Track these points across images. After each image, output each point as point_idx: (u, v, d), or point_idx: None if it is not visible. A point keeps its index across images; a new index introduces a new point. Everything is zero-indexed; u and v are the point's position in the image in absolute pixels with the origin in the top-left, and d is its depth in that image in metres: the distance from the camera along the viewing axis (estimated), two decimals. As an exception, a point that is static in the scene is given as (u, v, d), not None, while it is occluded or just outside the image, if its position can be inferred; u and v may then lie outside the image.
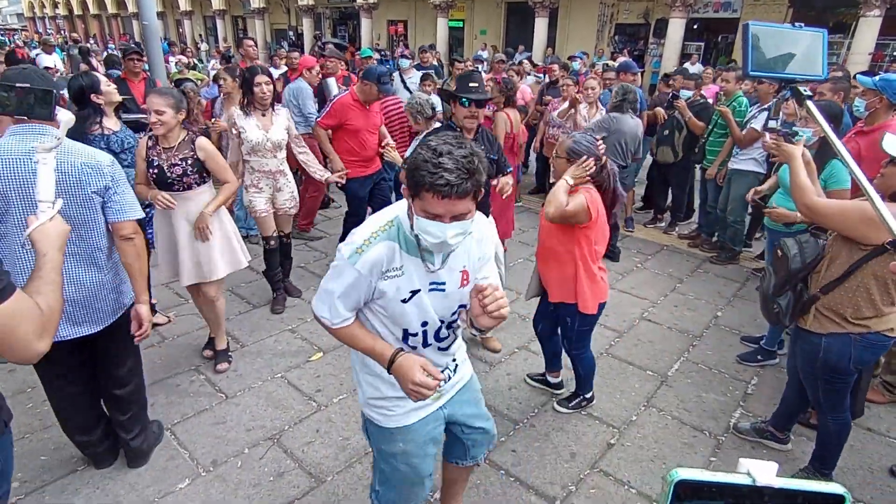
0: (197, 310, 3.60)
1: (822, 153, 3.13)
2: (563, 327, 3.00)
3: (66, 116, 1.84)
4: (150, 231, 4.72)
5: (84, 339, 2.27)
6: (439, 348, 1.76)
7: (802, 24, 1.07)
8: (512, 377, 3.46)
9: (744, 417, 3.17)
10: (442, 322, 1.71)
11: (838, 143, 0.98)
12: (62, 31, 37.87)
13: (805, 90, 1.20)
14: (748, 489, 0.54)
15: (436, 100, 4.82)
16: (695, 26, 16.34)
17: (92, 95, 3.29)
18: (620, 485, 2.67)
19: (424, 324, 1.67)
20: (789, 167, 2.39)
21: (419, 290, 1.61)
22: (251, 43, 6.82)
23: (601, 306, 2.87)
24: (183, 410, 3.09)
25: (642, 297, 4.59)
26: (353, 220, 4.56)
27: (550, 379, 3.32)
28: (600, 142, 2.71)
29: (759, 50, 1.05)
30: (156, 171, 3.07)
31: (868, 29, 12.14)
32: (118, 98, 3.50)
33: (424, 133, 3.76)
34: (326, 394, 3.25)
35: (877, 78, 3.50)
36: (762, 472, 0.54)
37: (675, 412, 3.19)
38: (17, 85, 1.91)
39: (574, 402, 3.17)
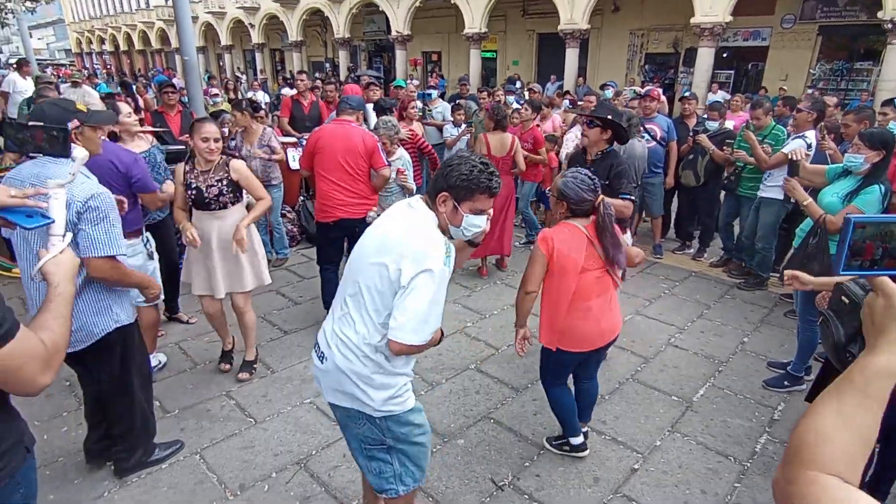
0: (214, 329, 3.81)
1: (871, 178, 3.23)
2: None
3: (80, 153, 1.94)
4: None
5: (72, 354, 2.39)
6: None
7: None
8: (537, 402, 3.47)
9: (770, 443, 3.14)
10: None
11: None
12: (108, 66, 39.84)
13: None
14: None
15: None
16: (724, 55, 16.35)
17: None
18: (643, 510, 2.67)
19: None
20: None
21: None
22: (302, 77, 7.36)
23: (565, 353, 2.70)
24: (212, 435, 3.13)
25: (669, 324, 4.59)
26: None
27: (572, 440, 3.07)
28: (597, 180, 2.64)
29: (860, 247, 0.84)
30: (194, 192, 3.31)
31: (896, 56, 11.97)
32: (136, 129, 3.89)
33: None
34: (354, 417, 3.32)
35: None
36: None
37: (700, 437, 3.18)
38: (32, 124, 2.01)
39: (557, 443, 3.05)
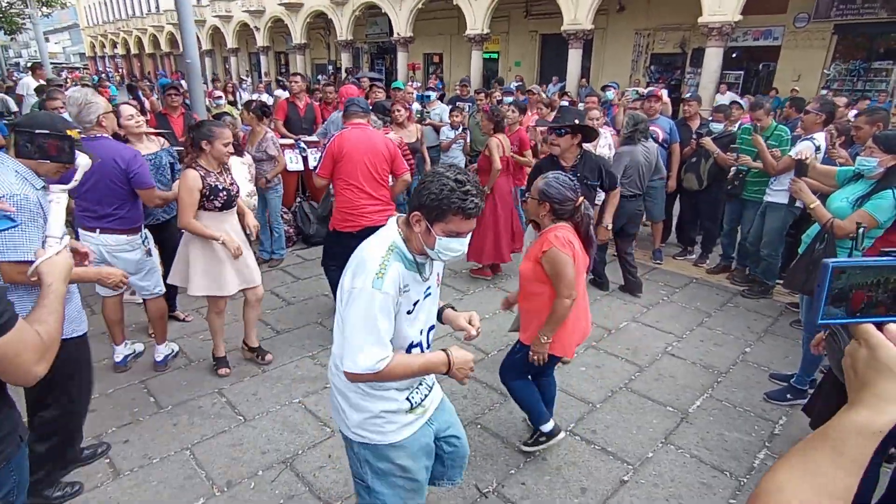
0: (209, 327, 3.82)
1: (884, 182, 3.12)
2: (511, 351, 2.95)
3: (84, 160, 1.99)
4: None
5: None
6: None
7: None
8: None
9: (769, 458, 3.04)
10: (432, 326, 1.94)
11: None
12: (119, 70, 40.49)
13: None
14: None
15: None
16: (734, 55, 16.18)
17: None
18: (632, 524, 2.59)
19: (421, 331, 1.86)
20: None
21: (418, 301, 1.80)
22: (297, 79, 7.29)
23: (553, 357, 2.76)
24: (203, 431, 3.17)
25: (666, 332, 4.48)
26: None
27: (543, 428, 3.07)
28: (576, 182, 2.68)
29: (840, 292, 0.78)
30: (224, 194, 3.36)
31: (917, 54, 11.79)
32: (140, 130, 3.90)
33: None
34: (341, 420, 3.28)
35: None
36: None
37: (694, 450, 3.09)
38: (37, 132, 2.04)
39: (532, 440, 3.02)
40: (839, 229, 3.14)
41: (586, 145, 3.87)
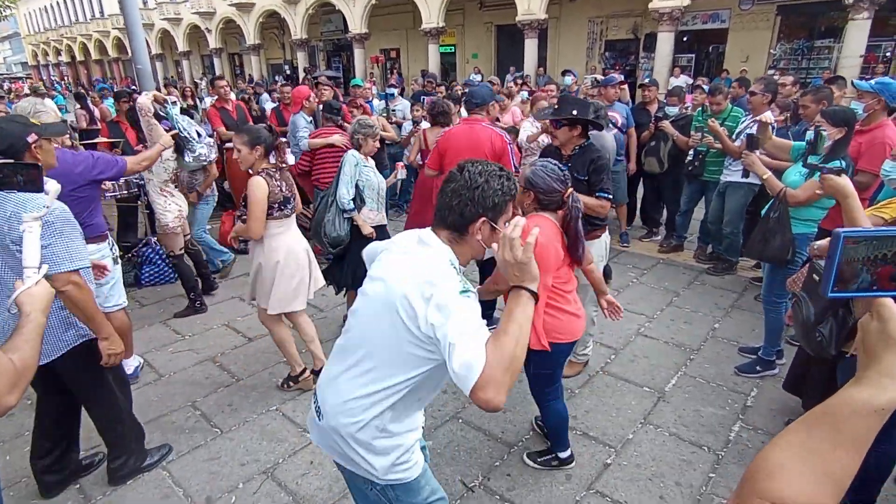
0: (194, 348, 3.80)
1: (832, 154, 3.21)
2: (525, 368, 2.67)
3: (53, 186, 1.93)
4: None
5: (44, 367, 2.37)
6: None
7: None
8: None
9: (743, 430, 3.12)
10: None
11: None
12: (65, 78, 39.05)
13: None
14: None
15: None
16: (684, 38, 16.58)
17: None
18: (617, 505, 2.62)
19: None
20: (844, 206, 2.20)
21: None
22: (223, 83, 6.88)
23: (560, 347, 2.58)
24: (178, 448, 3.07)
25: (638, 313, 4.56)
26: None
27: (562, 454, 2.90)
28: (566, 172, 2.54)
29: (850, 265, 0.73)
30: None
31: (858, 31, 12.30)
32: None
33: None
34: (321, 425, 3.23)
35: (873, 82, 3.69)
36: None
37: (672, 428, 3.15)
38: (1, 162, 2.00)
39: (543, 459, 2.89)
40: (791, 198, 3.26)
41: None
